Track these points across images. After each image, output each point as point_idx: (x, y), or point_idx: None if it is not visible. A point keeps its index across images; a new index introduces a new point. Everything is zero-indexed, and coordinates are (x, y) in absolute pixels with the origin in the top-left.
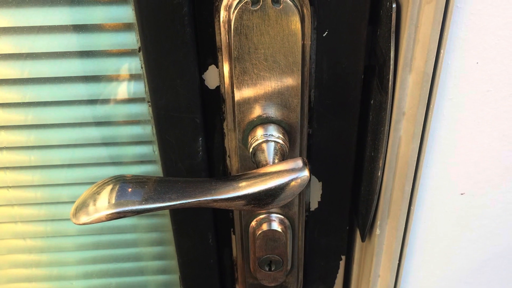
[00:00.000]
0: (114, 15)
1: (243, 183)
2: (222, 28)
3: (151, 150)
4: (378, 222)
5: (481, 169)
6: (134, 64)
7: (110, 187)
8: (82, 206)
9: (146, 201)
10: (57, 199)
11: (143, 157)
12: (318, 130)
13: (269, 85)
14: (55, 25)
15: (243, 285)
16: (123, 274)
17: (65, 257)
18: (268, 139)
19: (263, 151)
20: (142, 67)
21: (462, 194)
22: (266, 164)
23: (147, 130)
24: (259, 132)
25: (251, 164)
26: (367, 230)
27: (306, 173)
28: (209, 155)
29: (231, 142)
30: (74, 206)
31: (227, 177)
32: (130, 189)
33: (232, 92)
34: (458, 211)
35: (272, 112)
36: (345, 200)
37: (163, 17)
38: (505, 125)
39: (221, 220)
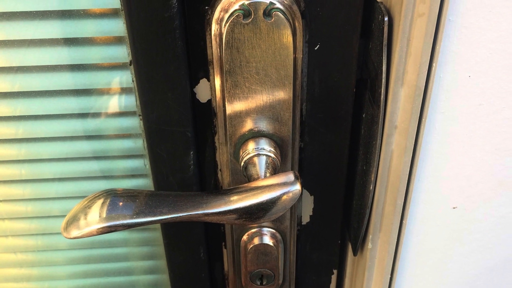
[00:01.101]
0: (105, 28)
1: (235, 197)
2: (213, 42)
3: (142, 163)
4: (370, 236)
5: (473, 182)
6: (125, 78)
7: (101, 201)
8: (73, 220)
9: (137, 215)
10: (48, 213)
11: (134, 170)
12: (310, 143)
13: (261, 98)
14: (46, 39)
15: None
16: None
17: (56, 271)
18: (259, 153)
19: (254, 165)
20: (133, 81)
21: (454, 208)
22: (258, 178)
23: (138, 144)
24: (251, 145)
25: (243, 178)
26: (359, 244)
27: (297, 187)
28: (201, 169)
29: (222, 155)
30: (65, 220)
31: (218, 191)
32: (121, 203)
33: (224, 106)
34: (450, 225)
35: (264, 125)
36: (337, 214)
37: (154, 31)
38: (497, 139)
39: (212, 234)
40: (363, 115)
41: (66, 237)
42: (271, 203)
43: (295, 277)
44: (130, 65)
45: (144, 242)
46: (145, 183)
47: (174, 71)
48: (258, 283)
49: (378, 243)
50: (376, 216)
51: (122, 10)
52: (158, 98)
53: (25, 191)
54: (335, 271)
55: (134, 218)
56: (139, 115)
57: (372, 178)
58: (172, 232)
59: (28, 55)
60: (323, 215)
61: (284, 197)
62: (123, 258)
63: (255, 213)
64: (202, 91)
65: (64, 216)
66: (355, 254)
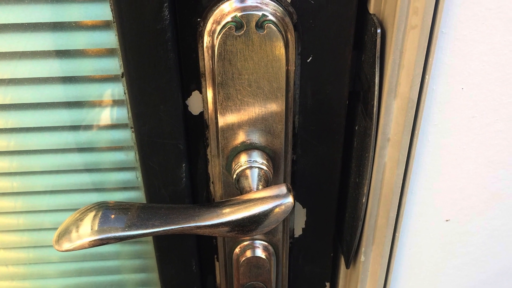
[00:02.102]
0: (97, 40)
1: (227, 210)
2: (205, 54)
3: (134, 176)
4: (362, 249)
5: (466, 195)
6: (117, 90)
7: (93, 213)
8: (65, 233)
9: (129, 227)
10: (40, 225)
11: (126, 183)
12: (302, 156)
13: (253, 111)
14: (37, 51)
15: None
16: None
17: (47, 284)
18: (252, 165)
19: (247, 177)
20: (125, 93)
21: (447, 220)
22: (250, 191)
23: (130, 156)
24: (243, 158)
25: (235, 190)
26: (351, 257)
27: (290, 199)
28: (193, 181)
29: (214, 168)
30: (56, 232)
31: (210, 203)
32: (113, 216)
33: (216, 118)
34: (443, 237)
35: (256, 138)
36: (329, 227)
37: (146, 43)
38: (490, 151)
39: (204, 246)
40: (356, 128)
41: (57, 250)
42: (264, 215)
43: None
44: (122, 77)
45: (136, 255)
46: (137, 195)
47: (166, 83)
48: None
49: (370, 256)
50: (369, 228)
51: (114, 22)
52: (150, 111)
53: (17, 203)
54: (327, 284)
55: (126, 230)
56: (131, 128)
57: (365, 191)
58: (164, 245)
59: (19, 67)
60: (315, 227)
61: (277, 209)
62: (115, 271)
63: (247, 226)
64: (194, 104)
65: (55, 228)
66: (347, 266)
